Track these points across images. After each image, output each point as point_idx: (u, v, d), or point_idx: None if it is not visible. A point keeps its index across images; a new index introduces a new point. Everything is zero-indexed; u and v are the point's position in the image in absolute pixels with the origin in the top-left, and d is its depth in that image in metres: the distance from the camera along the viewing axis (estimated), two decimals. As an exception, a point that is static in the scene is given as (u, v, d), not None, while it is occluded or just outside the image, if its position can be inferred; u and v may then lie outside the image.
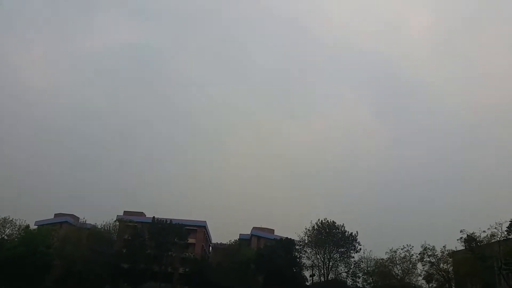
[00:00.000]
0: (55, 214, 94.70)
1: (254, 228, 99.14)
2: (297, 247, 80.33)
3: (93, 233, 76.97)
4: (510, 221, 51.93)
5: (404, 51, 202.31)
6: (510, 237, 50.65)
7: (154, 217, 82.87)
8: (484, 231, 52.33)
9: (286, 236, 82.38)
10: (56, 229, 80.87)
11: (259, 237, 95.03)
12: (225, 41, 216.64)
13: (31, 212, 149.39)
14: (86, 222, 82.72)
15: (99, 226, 79.66)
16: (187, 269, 79.54)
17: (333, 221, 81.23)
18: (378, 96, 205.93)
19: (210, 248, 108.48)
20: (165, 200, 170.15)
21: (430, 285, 69.98)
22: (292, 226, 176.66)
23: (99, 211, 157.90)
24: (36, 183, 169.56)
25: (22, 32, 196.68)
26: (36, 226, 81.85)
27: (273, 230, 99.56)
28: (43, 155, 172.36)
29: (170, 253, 78.96)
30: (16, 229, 74.80)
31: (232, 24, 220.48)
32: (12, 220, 74.91)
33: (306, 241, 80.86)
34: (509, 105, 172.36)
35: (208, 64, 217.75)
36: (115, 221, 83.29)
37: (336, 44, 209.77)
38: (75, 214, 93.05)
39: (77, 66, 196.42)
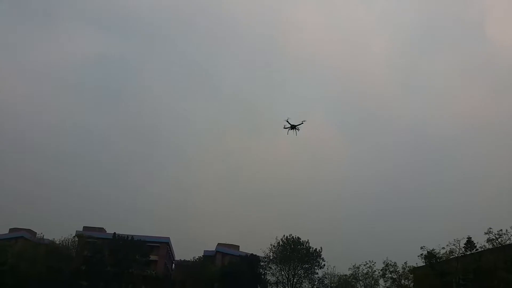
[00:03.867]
0: (10, 229, 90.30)
1: (219, 244, 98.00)
2: (262, 263, 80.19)
3: (51, 249, 73.91)
4: (467, 238, 53.87)
5: (368, 69, 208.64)
6: (468, 253, 52.39)
7: (115, 233, 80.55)
8: (443, 248, 54.03)
9: (251, 253, 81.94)
10: (11, 245, 77.25)
11: (224, 254, 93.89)
12: (193, 56, 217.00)
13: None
14: (44, 238, 79.51)
15: (57, 242, 76.84)
16: (148, 287, 77.43)
17: (298, 237, 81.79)
18: (345, 113, 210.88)
19: (173, 265, 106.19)
20: (127, 216, 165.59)
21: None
22: (257, 242, 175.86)
23: (58, 226, 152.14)
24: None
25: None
26: (-12, 242, 77.65)
27: (238, 246, 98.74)
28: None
29: (131, 270, 76.65)
30: (-34, 245, 70.74)
31: (201, 39, 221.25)
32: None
33: (271, 257, 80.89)
34: (473, 117, 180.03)
35: (175, 78, 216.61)
36: (74, 236, 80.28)
37: (304, 60, 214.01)
38: (32, 229, 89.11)
39: (37, 77, 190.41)
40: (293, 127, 53.53)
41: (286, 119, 52.47)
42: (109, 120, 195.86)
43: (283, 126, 52.69)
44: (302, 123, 52.98)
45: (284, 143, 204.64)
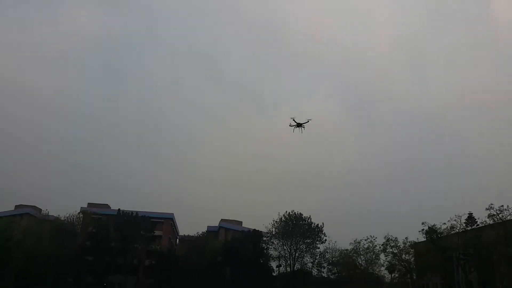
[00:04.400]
0: (15, 205, 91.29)
1: (222, 220, 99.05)
2: (264, 238, 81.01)
3: (56, 226, 74.73)
4: (468, 214, 54.06)
5: (371, 48, 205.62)
6: (469, 229, 52.65)
7: (119, 209, 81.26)
8: (444, 223, 54.29)
9: (254, 228, 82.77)
10: (16, 221, 78.06)
11: (227, 229, 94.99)
12: (195, 39, 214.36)
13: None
14: (49, 214, 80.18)
15: (62, 218, 77.54)
16: (153, 262, 78.62)
17: (300, 213, 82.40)
18: (346, 92, 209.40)
19: (178, 240, 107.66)
20: (131, 193, 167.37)
21: (392, 275, 72.10)
22: (260, 218, 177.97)
23: (63, 203, 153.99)
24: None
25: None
26: (-6, 218, 78.54)
27: (241, 222, 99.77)
28: (2, 147, 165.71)
29: (135, 245, 77.72)
30: (-27, 221, 71.51)
31: (204, 20, 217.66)
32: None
33: (273, 233, 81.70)
34: (471, 94, 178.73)
35: (178, 61, 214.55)
36: (79, 213, 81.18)
37: (306, 41, 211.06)
38: (37, 206, 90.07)
39: (39, 54, 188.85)
40: (299, 125, 54.54)
41: (293, 117, 53.31)
42: (111, 99, 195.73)
43: (289, 124, 53.44)
44: (308, 121, 53.76)
45: (286, 123, 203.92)
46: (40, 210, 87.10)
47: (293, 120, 54.34)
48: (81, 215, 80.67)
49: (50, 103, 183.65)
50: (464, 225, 52.82)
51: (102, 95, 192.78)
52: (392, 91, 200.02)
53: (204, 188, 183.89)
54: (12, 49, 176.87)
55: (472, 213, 55.08)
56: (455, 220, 52.35)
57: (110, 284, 73.48)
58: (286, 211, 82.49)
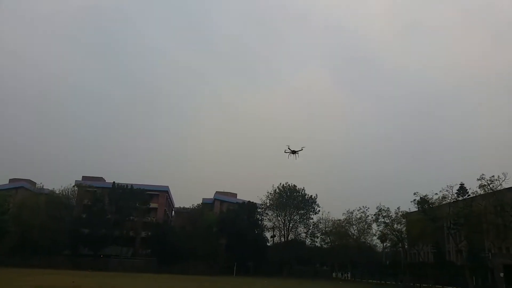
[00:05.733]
0: (10, 179, 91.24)
1: (217, 192, 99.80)
2: (259, 210, 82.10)
3: (51, 199, 74.75)
4: (460, 185, 54.85)
5: (365, 22, 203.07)
6: (460, 199, 53.48)
7: (114, 182, 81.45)
8: (436, 194, 54.82)
9: (248, 200, 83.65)
10: (11, 195, 78.20)
11: (222, 201, 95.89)
12: (190, 6, 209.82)
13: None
14: (44, 188, 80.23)
15: (57, 192, 77.40)
16: (149, 233, 79.53)
17: (294, 184, 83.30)
18: (339, 64, 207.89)
19: (173, 212, 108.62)
20: (126, 166, 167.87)
21: (384, 244, 73.70)
22: (254, 190, 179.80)
23: (57, 177, 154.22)
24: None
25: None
26: (-11, 192, 78.47)
27: (236, 194, 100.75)
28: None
29: (131, 217, 78.38)
30: (-32, 195, 71.40)
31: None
32: (-37, 187, 71.53)
33: (267, 204, 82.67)
34: (466, 69, 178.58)
35: (171, 30, 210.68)
36: (73, 186, 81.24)
37: (300, 14, 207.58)
38: (31, 179, 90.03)
39: (31, 27, 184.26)
40: (293, 152, 56.33)
41: (288, 145, 55.38)
42: (106, 71, 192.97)
43: (284, 151, 55.27)
44: (302, 149, 55.55)
45: (280, 95, 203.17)
46: (35, 183, 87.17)
47: (288, 147, 56.94)
48: (75, 188, 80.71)
49: (43, 75, 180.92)
50: (455, 195, 53.49)
51: (95, 67, 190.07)
52: (385, 61, 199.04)
53: (199, 161, 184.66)
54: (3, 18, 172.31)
55: (463, 184, 55.94)
56: (446, 191, 52.92)
57: (107, 256, 74.38)
58: (280, 183, 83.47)
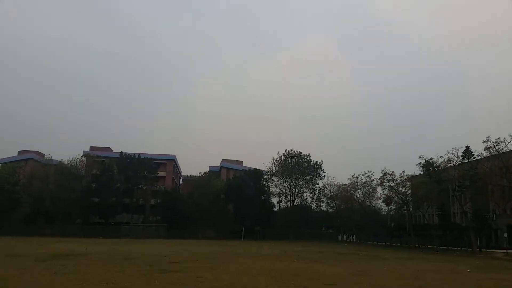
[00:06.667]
0: (18, 151, 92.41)
1: (223, 160, 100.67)
2: (265, 176, 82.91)
3: (60, 169, 75.96)
4: (465, 147, 54.72)
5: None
6: (465, 161, 53.49)
7: (121, 152, 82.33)
8: (441, 157, 54.83)
9: (254, 167, 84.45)
10: (21, 167, 79.51)
11: (228, 169, 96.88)
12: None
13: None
14: (52, 159, 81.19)
15: (66, 162, 78.45)
16: (158, 201, 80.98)
17: (299, 151, 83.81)
18: (344, 30, 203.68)
19: (181, 180, 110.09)
20: (132, 136, 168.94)
21: (389, 207, 74.60)
22: (260, 158, 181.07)
23: (64, 148, 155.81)
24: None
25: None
26: (-1, 164, 79.94)
27: (242, 161, 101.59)
28: (1, 92, 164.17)
29: (140, 186, 79.67)
30: (-21, 167, 72.83)
31: None
32: (-27, 159, 72.73)
33: (273, 171, 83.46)
34: (471, 32, 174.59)
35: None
36: (81, 156, 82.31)
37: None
38: (39, 151, 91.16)
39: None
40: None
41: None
42: (110, 37, 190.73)
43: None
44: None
45: (285, 62, 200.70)
46: (43, 155, 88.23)
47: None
48: (84, 159, 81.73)
49: (50, 41, 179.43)
50: (461, 158, 53.45)
51: (102, 30, 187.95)
52: (392, 30, 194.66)
53: (205, 129, 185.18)
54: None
55: (469, 146, 55.77)
56: (452, 153, 52.81)
57: (117, 223, 76.26)
58: (286, 150, 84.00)
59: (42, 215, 73.33)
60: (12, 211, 70.53)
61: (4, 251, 29.18)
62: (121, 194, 78.19)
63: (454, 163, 53.33)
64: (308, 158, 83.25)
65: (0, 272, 16.56)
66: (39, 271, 16.81)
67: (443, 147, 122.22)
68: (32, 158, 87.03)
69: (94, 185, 77.10)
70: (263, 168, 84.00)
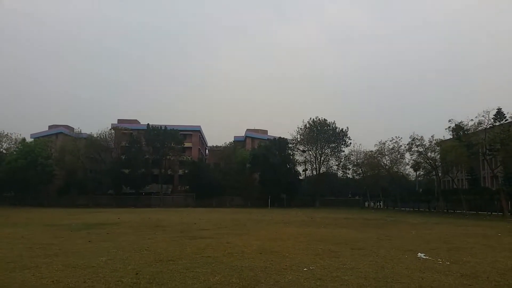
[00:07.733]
0: (49, 126, 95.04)
1: (248, 130, 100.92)
2: (290, 145, 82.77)
3: (90, 142, 78.08)
4: (497, 109, 52.85)
5: None
6: (496, 124, 51.74)
7: (148, 124, 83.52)
8: (471, 120, 53.18)
9: (279, 136, 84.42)
10: (52, 140, 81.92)
11: (253, 139, 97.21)
12: None
13: (24, 125, 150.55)
14: (81, 132, 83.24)
15: (95, 135, 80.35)
16: (186, 171, 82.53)
17: (324, 118, 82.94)
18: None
19: (207, 151, 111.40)
20: (157, 108, 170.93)
21: (417, 173, 73.53)
22: (285, 127, 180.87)
23: (93, 121, 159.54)
24: (26, 96, 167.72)
25: None
26: (32, 139, 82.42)
27: (267, 131, 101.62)
28: (34, 69, 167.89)
29: (168, 157, 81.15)
30: (12, 142, 75.44)
31: None
32: (7, 135, 75.34)
33: (298, 139, 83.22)
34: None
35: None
36: (110, 129, 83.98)
37: None
38: (69, 125, 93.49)
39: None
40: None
41: None
42: (133, 12, 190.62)
43: None
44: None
45: (309, 27, 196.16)
46: (73, 128, 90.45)
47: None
48: (112, 131, 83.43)
49: (75, 17, 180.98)
50: (492, 120, 51.78)
51: (125, 5, 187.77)
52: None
53: (229, 99, 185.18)
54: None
55: (501, 108, 53.79)
56: (483, 116, 51.15)
57: (148, 193, 78.47)
58: (310, 118, 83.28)
59: (75, 187, 76.12)
60: (47, 183, 73.38)
61: (41, 221, 30.59)
62: (150, 165, 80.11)
63: (485, 126, 51.76)
64: (333, 126, 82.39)
65: (40, 239, 17.46)
66: (75, 240, 17.59)
67: (474, 111, 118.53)
68: (62, 132, 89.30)
69: (123, 157, 78.89)
70: (288, 136, 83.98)
